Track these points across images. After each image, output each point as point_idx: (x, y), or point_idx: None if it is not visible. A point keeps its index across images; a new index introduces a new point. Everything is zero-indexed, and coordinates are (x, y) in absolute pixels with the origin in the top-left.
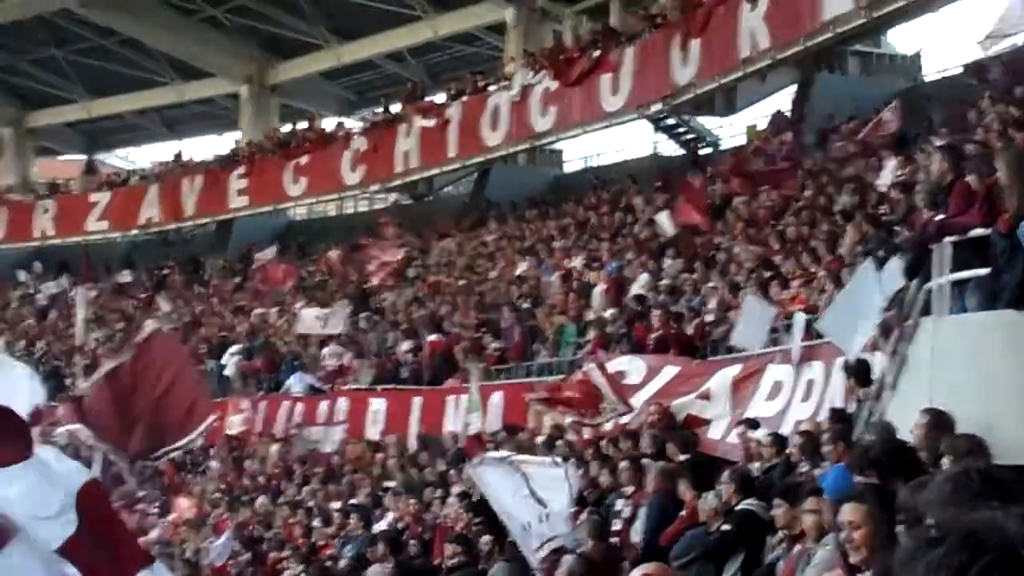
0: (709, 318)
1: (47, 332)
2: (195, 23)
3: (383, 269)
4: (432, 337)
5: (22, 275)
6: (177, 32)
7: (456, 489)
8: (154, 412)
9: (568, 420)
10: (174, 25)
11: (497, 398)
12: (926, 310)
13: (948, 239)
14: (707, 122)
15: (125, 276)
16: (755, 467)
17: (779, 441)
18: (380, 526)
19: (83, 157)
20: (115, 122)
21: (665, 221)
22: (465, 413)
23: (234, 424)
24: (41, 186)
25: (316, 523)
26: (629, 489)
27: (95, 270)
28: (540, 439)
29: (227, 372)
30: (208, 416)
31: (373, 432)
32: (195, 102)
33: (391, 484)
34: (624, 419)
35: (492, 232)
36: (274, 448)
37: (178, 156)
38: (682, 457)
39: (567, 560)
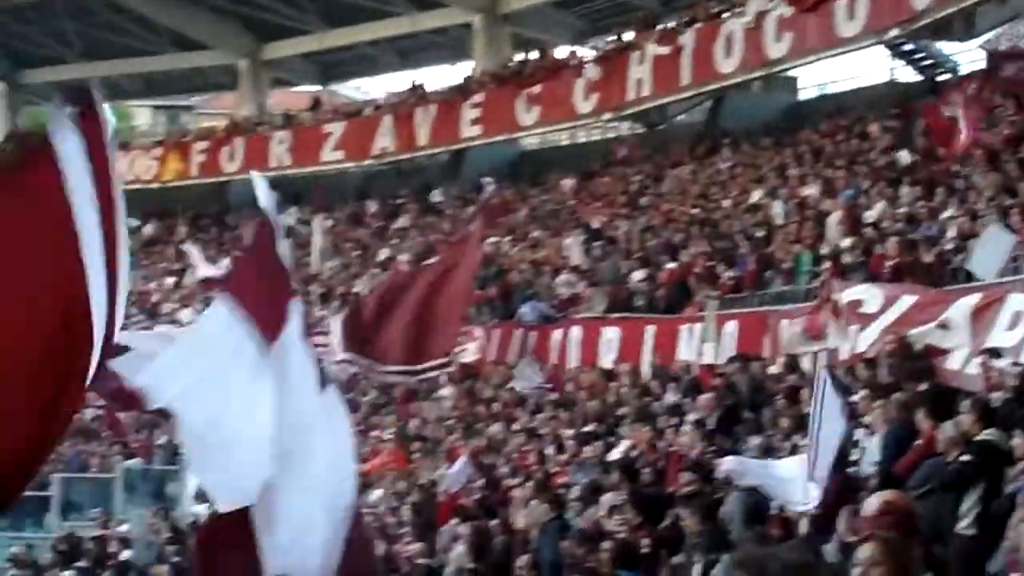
0: (948, 246)
1: None
2: None
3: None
4: (667, 265)
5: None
6: None
7: (691, 417)
8: (424, 315)
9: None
10: None
11: (731, 327)
12: None
13: None
14: (946, 47)
15: (370, 207)
16: (995, 397)
17: (1022, 371)
18: (614, 454)
19: (317, 88)
20: (348, 53)
21: (905, 157)
22: (699, 342)
23: (468, 352)
24: (276, 117)
25: (549, 451)
26: (867, 418)
27: (329, 200)
28: (774, 369)
29: None
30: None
31: (606, 360)
32: (428, 32)
33: (625, 412)
34: (861, 347)
35: (726, 160)
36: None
37: (415, 85)
38: (920, 387)
39: None
